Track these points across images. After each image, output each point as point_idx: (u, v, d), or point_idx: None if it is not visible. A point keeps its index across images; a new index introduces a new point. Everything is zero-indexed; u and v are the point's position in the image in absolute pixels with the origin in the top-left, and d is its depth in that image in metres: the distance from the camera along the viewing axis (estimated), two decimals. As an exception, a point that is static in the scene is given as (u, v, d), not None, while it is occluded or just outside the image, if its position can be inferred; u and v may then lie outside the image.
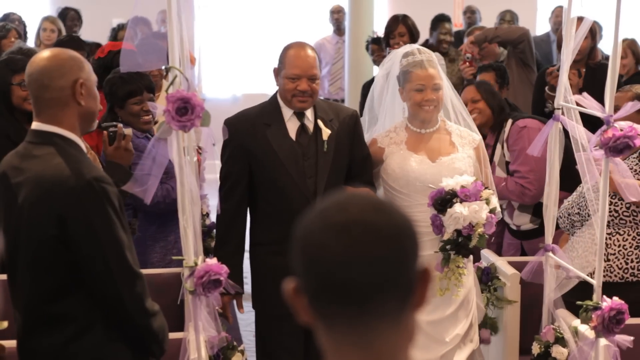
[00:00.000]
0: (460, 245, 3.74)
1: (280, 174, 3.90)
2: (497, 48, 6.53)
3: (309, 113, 3.99)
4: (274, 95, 4.03)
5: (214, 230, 4.85)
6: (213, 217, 4.97)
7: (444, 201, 3.72)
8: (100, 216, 2.79)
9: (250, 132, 3.95)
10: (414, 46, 4.14)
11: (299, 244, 1.47)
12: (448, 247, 3.76)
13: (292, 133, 3.97)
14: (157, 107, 3.41)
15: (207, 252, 4.44)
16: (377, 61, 7.51)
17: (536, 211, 4.86)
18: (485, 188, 3.81)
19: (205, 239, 4.61)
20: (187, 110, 3.28)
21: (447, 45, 7.80)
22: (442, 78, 4.02)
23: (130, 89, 4.47)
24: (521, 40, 6.30)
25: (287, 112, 3.98)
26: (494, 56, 6.27)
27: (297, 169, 3.90)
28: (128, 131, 3.74)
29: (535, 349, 4.01)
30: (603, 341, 3.62)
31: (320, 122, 3.97)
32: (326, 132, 3.95)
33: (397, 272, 1.44)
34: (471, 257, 4.03)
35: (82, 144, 2.96)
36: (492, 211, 3.75)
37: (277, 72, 3.99)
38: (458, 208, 3.68)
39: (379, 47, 7.53)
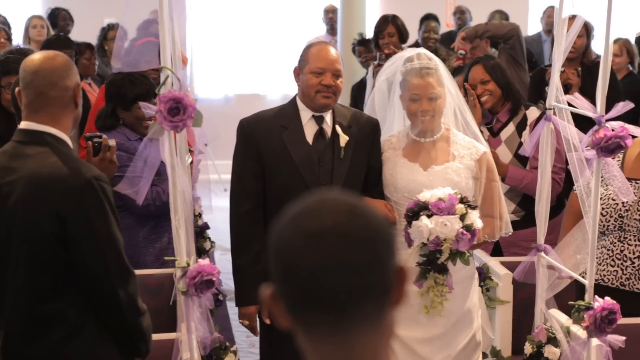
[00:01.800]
0: (430, 261, 3.60)
1: (294, 180, 3.75)
2: (489, 47, 6.54)
3: (328, 117, 3.85)
4: (293, 98, 3.91)
5: (207, 231, 4.85)
6: (205, 218, 4.97)
7: (413, 213, 3.57)
8: (100, 214, 2.79)
9: (265, 133, 3.81)
10: (416, 51, 3.95)
11: (274, 250, 1.45)
12: (421, 261, 3.62)
13: (309, 137, 3.83)
14: (152, 108, 3.40)
15: (200, 253, 4.43)
16: (364, 63, 7.53)
17: (522, 203, 4.83)
18: (465, 203, 3.60)
19: (198, 239, 4.61)
20: (179, 111, 3.28)
21: (433, 42, 7.82)
22: (444, 85, 3.84)
23: (141, 92, 4.39)
24: (511, 35, 6.30)
25: (305, 115, 3.84)
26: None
27: (312, 175, 3.77)
28: (112, 142, 3.71)
29: (528, 349, 4.01)
30: (595, 341, 3.63)
31: (338, 128, 3.83)
32: (344, 139, 3.81)
33: (373, 277, 1.42)
34: (476, 276, 3.93)
35: (72, 145, 2.95)
36: (467, 227, 3.55)
37: (297, 71, 3.85)
38: (424, 221, 3.53)
39: (365, 49, 7.54)
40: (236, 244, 3.86)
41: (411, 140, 3.92)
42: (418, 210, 3.57)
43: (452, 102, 3.97)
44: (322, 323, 1.43)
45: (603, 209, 4.07)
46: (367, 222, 1.44)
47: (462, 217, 3.56)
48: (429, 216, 3.54)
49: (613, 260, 4.10)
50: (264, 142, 3.80)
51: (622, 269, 4.10)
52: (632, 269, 4.08)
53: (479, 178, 3.88)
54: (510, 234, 3.97)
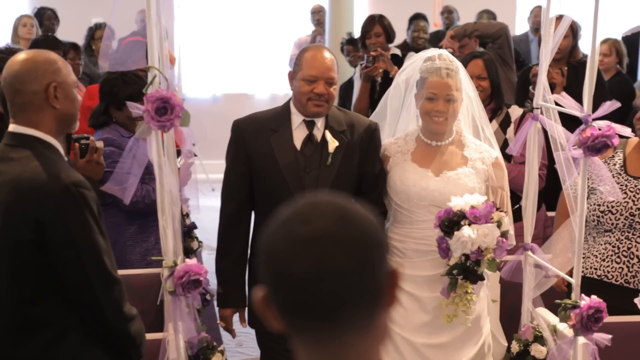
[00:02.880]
0: (469, 270, 3.53)
1: (278, 184, 3.68)
2: (477, 46, 6.55)
3: (319, 123, 3.76)
4: (288, 101, 3.84)
5: (194, 231, 4.84)
6: (193, 218, 4.96)
7: (451, 223, 3.49)
8: (78, 221, 2.75)
9: (255, 136, 3.76)
10: (438, 51, 3.86)
11: (264, 255, 1.44)
12: (455, 272, 3.56)
13: (298, 142, 3.74)
14: (140, 108, 3.38)
15: (187, 253, 4.43)
16: (353, 62, 7.53)
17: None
18: (498, 209, 3.59)
19: (185, 239, 4.60)
20: (166, 110, 3.27)
21: (423, 42, 7.83)
22: (462, 90, 3.78)
23: (133, 92, 4.37)
24: (499, 35, 6.30)
25: (296, 119, 3.76)
26: None
27: (297, 180, 3.69)
28: (99, 144, 3.69)
29: (515, 347, 4.02)
30: (582, 339, 3.64)
31: (327, 133, 3.74)
32: (332, 145, 3.71)
33: (365, 283, 1.41)
34: (485, 282, 3.84)
35: (61, 148, 2.92)
36: (503, 235, 3.54)
37: (292, 75, 3.76)
38: (466, 231, 3.46)
39: (353, 48, 7.54)
40: (220, 246, 3.86)
41: (421, 143, 3.85)
42: (458, 220, 3.49)
43: (469, 107, 3.92)
44: (314, 329, 1.42)
45: (613, 207, 4.10)
46: (358, 226, 1.42)
47: (499, 225, 3.53)
48: (468, 225, 3.48)
49: (619, 257, 4.12)
50: (252, 145, 3.76)
51: (628, 267, 4.11)
52: (638, 267, 4.10)
53: (493, 186, 3.82)
54: (513, 246, 3.97)
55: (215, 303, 4.09)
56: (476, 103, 3.98)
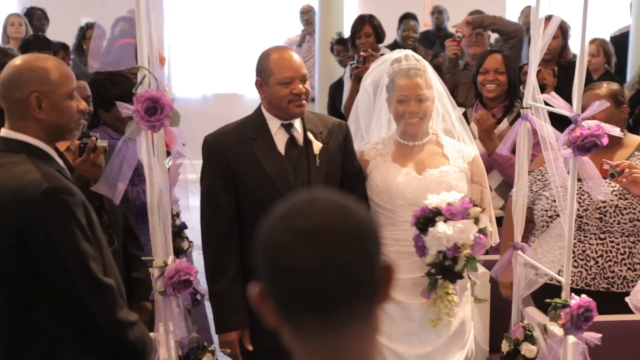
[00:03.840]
0: (446, 269, 3.50)
1: (269, 192, 3.55)
2: (489, 40, 6.55)
3: (297, 124, 3.70)
4: (258, 109, 3.75)
5: (184, 231, 4.84)
6: (183, 218, 4.95)
7: (426, 220, 3.45)
8: (58, 227, 2.71)
9: (234, 148, 3.65)
10: (403, 52, 3.82)
11: (263, 249, 1.45)
12: (433, 271, 3.52)
13: (281, 147, 3.67)
14: (129, 108, 3.38)
15: (177, 253, 4.42)
16: (343, 61, 7.54)
17: None
18: (476, 206, 3.55)
19: (175, 239, 4.60)
20: (156, 110, 3.26)
21: (413, 41, 7.84)
22: (432, 87, 3.75)
23: (121, 93, 4.33)
24: (515, 35, 6.28)
25: (274, 125, 3.68)
26: (484, 48, 6.23)
27: (288, 186, 3.59)
28: (102, 143, 3.65)
29: (505, 346, 4.02)
30: (572, 338, 3.65)
31: (310, 135, 3.69)
32: (317, 146, 3.67)
33: (363, 276, 1.43)
34: (468, 285, 3.83)
35: (53, 153, 2.88)
36: (481, 231, 3.49)
37: (261, 83, 3.67)
38: (441, 227, 3.42)
39: (343, 48, 7.55)
40: (212, 268, 3.71)
41: (399, 144, 3.82)
42: (433, 216, 3.46)
43: (439, 105, 3.89)
44: (312, 322, 1.43)
45: (561, 210, 4.10)
46: (356, 220, 1.45)
47: (477, 221, 3.50)
48: (444, 222, 3.45)
49: (576, 261, 4.11)
50: (234, 156, 3.66)
51: (586, 269, 4.11)
52: (596, 269, 4.10)
53: (473, 183, 3.80)
54: (497, 243, 3.96)
55: (205, 303, 4.06)
56: (449, 99, 3.94)
